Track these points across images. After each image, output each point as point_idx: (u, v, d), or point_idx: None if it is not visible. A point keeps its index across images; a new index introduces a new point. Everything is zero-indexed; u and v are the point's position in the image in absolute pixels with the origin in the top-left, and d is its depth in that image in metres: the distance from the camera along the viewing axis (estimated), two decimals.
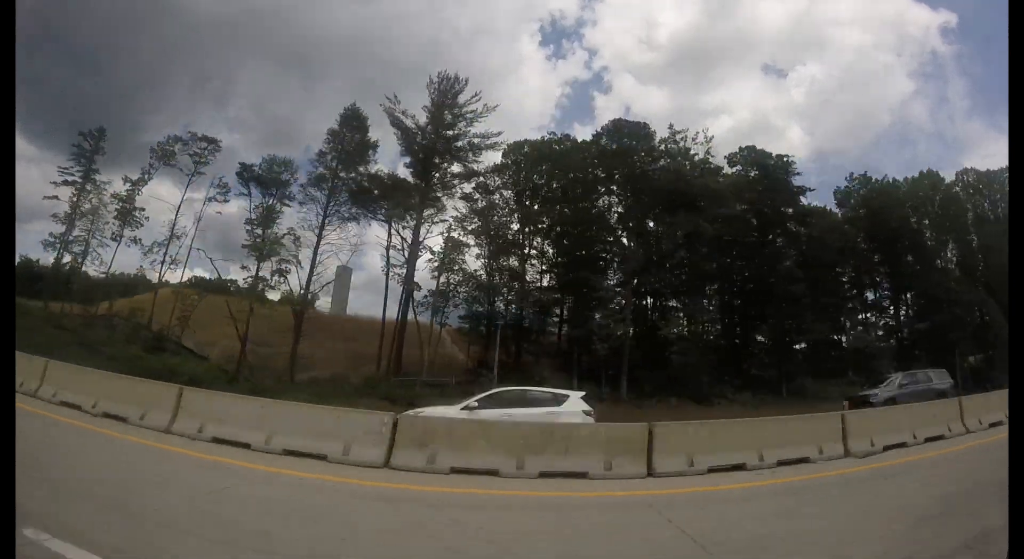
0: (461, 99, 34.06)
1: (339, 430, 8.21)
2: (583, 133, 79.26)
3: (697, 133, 38.03)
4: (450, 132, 33.99)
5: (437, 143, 33.69)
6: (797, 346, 37.87)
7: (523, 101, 76.77)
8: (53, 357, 12.50)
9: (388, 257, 33.83)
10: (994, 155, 64.48)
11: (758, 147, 40.62)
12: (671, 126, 37.74)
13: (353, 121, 34.07)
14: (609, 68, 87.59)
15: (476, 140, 34.18)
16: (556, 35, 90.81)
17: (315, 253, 31.98)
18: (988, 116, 67.85)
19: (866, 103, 71.73)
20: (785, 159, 39.47)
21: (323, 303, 40.60)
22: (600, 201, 38.22)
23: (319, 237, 32.05)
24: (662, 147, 36.93)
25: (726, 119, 75.37)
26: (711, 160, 37.76)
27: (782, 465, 8.47)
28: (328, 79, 71.53)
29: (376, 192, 33.44)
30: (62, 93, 50.22)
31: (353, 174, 33.79)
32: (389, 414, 8.48)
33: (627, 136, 37.81)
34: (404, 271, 33.20)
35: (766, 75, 79.81)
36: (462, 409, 10.83)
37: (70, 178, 32.94)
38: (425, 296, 34.44)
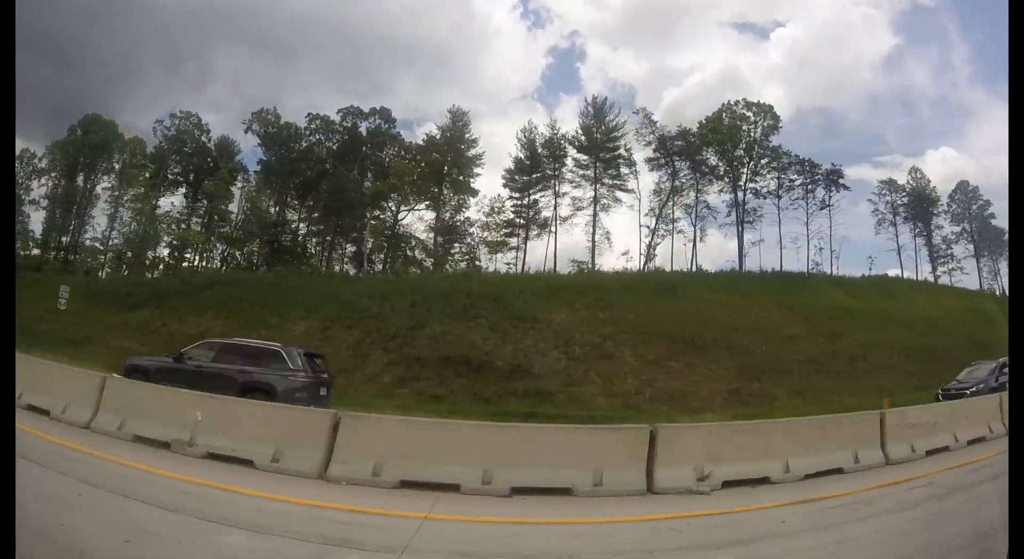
0: None
1: None
2: (569, 105, 78.09)
3: None
4: None
5: None
6: None
7: (504, 72, 75.25)
8: None
9: None
10: (995, 121, 56.88)
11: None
12: None
13: None
14: (580, 33, 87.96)
15: None
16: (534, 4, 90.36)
17: None
18: (991, 84, 61.17)
19: (847, 59, 65.60)
20: None
21: None
22: None
23: None
24: None
25: (698, 75, 70.45)
26: None
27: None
28: (301, 58, 71.43)
29: None
30: (37, 89, 48.56)
31: None
32: None
33: None
34: None
35: (740, 33, 75.81)
36: None
37: None
38: None
